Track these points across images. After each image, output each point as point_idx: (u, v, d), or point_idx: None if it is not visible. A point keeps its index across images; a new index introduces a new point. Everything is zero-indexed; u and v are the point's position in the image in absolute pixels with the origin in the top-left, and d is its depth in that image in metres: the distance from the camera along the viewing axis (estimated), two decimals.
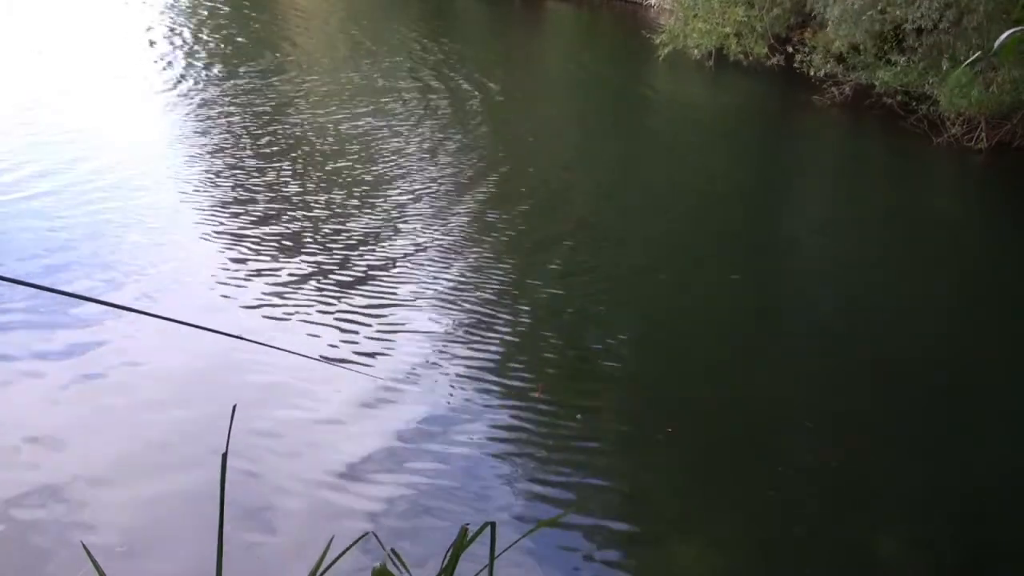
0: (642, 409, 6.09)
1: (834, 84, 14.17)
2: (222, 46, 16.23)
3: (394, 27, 19.57)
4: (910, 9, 12.00)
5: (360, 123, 11.88)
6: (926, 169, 12.20)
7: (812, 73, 14.51)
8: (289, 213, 8.73)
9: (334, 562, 1.41)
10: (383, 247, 8.10)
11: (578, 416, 5.79)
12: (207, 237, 8.09)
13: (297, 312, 6.82)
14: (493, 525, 1.46)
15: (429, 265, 7.78)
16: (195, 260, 7.69)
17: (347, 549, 1.43)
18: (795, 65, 15.11)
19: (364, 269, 7.65)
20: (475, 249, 8.21)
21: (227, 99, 12.62)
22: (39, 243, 7.66)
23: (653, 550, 4.86)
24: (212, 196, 9.15)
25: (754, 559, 4.84)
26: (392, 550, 1.62)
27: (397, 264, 7.77)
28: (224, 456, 1.35)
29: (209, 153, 10.37)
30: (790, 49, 15.52)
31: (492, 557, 1.47)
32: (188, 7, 19.67)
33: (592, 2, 23.44)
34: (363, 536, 1.60)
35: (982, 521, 5.23)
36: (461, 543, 1.48)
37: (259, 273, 7.43)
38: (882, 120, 13.21)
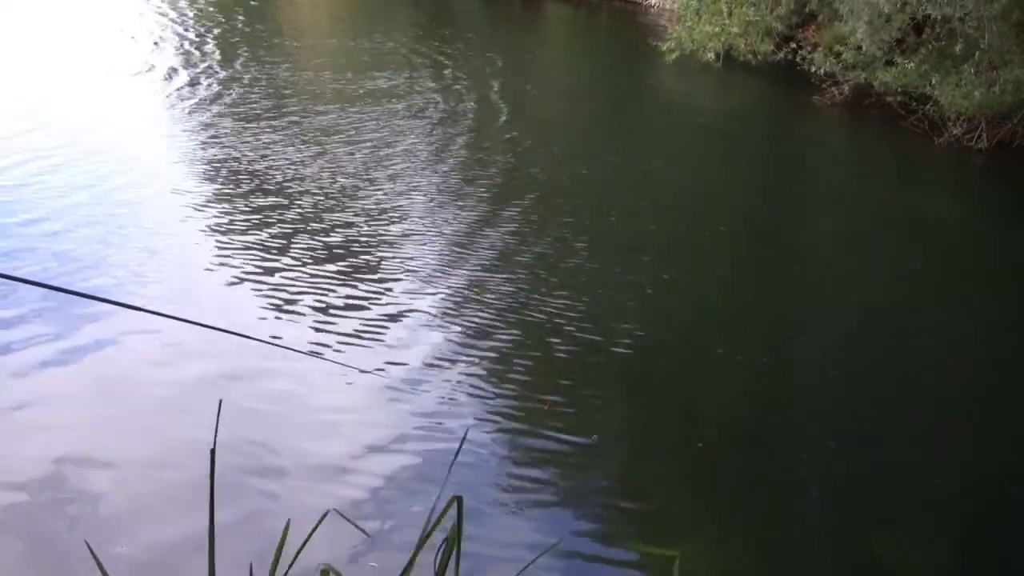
0: (646, 411, 6.07)
1: (834, 84, 14.14)
2: (222, 44, 16.23)
3: (392, 28, 19.54)
4: (932, 5, 11.87)
5: (361, 123, 11.86)
6: (928, 169, 12.18)
7: (813, 71, 14.49)
8: (291, 212, 8.72)
9: (302, 547, 1.40)
10: (386, 246, 8.09)
11: (581, 416, 5.77)
12: (208, 235, 8.10)
13: (298, 310, 6.82)
14: (460, 499, 1.46)
15: (433, 266, 7.76)
16: (195, 257, 7.69)
17: (313, 531, 1.42)
18: (797, 64, 15.09)
19: (367, 267, 7.64)
20: (478, 252, 8.18)
21: (227, 97, 12.61)
22: (41, 241, 7.66)
23: (653, 548, 4.83)
24: (214, 194, 9.15)
25: (755, 559, 4.82)
26: (324, 565, 1.62)
27: (400, 263, 7.76)
28: (212, 452, 1.33)
29: (211, 151, 10.36)
30: (794, 46, 15.49)
31: (459, 530, 1.46)
32: (187, 8, 19.66)
33: (591, 3, 23.42)
34: (325, 514, 1.58)
35: (986, 523, 5.20)
36: (431, 531, 1.48)
37: (259, 270, 7.43)
38: (883, 120, 13.19)
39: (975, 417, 6.19)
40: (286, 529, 1.47)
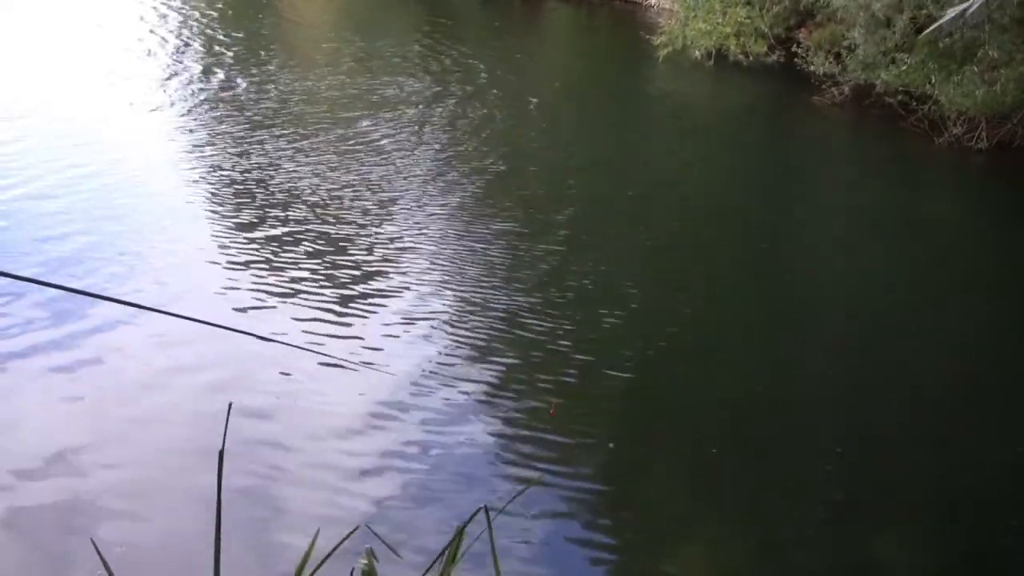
0: (648, 414, 6.08)
1: (834, 84, 14.13)
2: (223, 47, 16.21)
3: (393, 28, 19.54)
4: (936, 7, 11.85)
5: (362, 124, 11.86)
6: (928, 169, 12.18)
7: (812, 71, 14.48)
8: (293, 211, 8.72)
9: (327, 557, 1.40)
10: (389, 248, 8.10)
11: (584, 420, 5.78)
12: (211, 235, 8.12)
13: (303, 308, 6.84)
14: (486, 509, 1.46)
15: (437, 271, 7.75)
16: (199, 257, 7.70)
17: (339, 544, 1.42)
18: (796, 63, 15.09)
19: (371, 267, 7.65)
20: (480, 256, 8.18)
21: (229, 99, 12.60)
22: (43, 241, 7.66)
23: (656, 550, 4.84)
24: (217, 195, 9.15)
25: (755, 560, 4.82)
26: (370, 549, 1.61)
27: (403, 264, 7.77)
28: (221, 453, 1.34)
29: (213, 152, 10.35)
30: (794, 48, 15.50)
31: (492, 540, 1.45)
32: (188, 10, 19.65)
33: (591, 2, 23.42)
34: (354, 530, 1.58)
35: (986, 523, 5.21)
36: (457, 543, 1.48)
37: (263, 269, 7.44)
38: (882, 120, 13.18)
39: (975, 417, 6.20)
40: (315, 538, 1.47)
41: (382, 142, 11.11)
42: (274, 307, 6.82)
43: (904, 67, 12.82)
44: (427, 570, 1.53)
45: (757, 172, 11.93)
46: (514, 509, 4.85)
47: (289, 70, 14.62)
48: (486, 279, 7.58)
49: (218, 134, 11.03)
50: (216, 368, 5.96)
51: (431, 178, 10.05)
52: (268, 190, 9.20)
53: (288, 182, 9.43)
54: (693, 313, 7.47)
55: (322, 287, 7.23)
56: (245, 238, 8.05)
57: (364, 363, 6.12)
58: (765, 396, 6.25)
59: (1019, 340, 7.33)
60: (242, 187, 9.27)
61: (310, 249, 7.92)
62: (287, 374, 5.93)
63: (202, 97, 12.72)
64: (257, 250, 7.82)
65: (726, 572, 4.73)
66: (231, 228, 8.30)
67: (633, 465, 5.52)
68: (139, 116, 11.89)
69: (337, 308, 6.90)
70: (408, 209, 9.06)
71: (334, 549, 1.42)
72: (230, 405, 1.52)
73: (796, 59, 15.17)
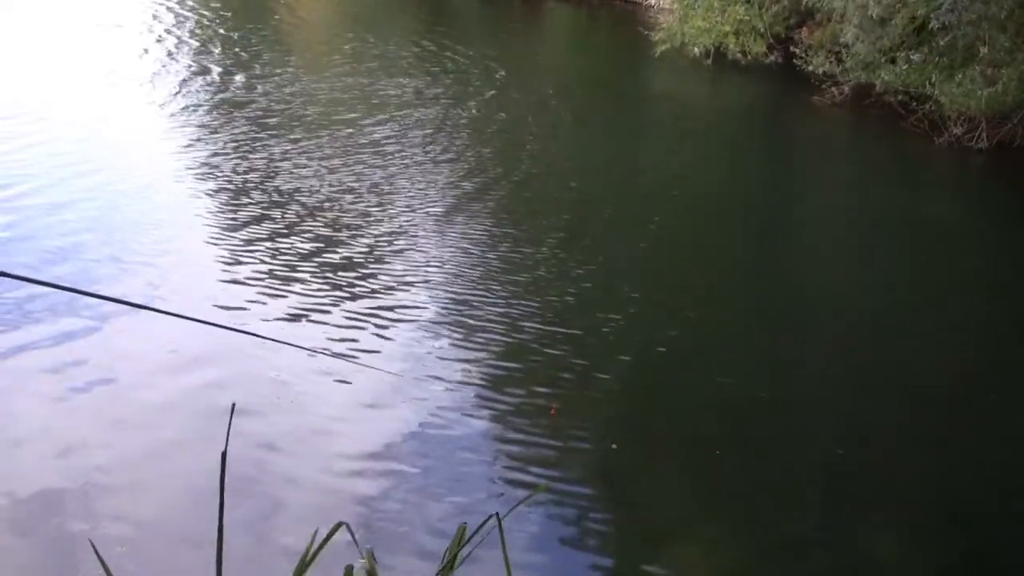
0: (648, 415, 6.08)
1: (834, 84, 14.12)
2: (224, 50, 16.21)
3: (393, 28, 19.53)
4: (935, 16, 11.85)
5: (362, 125, 11.86)
6: (928, 169, 12.16)
7: (811, 70, 14.47)
8: (294, 212, 8.72)
9: (313, 556, 1.40)
10: (390, 248, 8.10)
11: (585, 420, 5.78)
12: (213, 236, 8.12)
13: (304, 308, 6.86)
14: (498, 516, 1.46)
15: (438, 274, 7.75)
16: (201, 258, 7.71)
17: (324, 542, 1.42)
18: (795, 63, 15.08)
19: (372, 270, 7.65)
20: (478, 255, 8.18)
21: (241, 102, 12.59)
22: (48, 243, 7.67)
23: (656, 550, 4.84)
24: (218, 196, 9.16)
25: (755, 560, 4.83)
26: (370, 550, 1.61)
27: (403, 266, 7.78)
28: (223, 454, 1.34)
29: (215, 155, 10.35)
30: (793, 48, 15.49)
31: (504, 548, 1.46)
32: (190, 12, 19.64)
33: (591, 2, 23.42)
34: (337, 526, 1.57)
35: (986, 523, 5.21)
36: (458, 541, 1.48)
37: (270, 273, 7.45)
38: (882, 120, 13.18)
39: (975, 417, 6.20)
40: (313, 537, 1.47)
41: (385, 145, 11.10)
42: (280, 311, 6.82)
43: (905, 67, 12.81)
44: (440, 571, 1.54)
45: (757, 172, 11.92)
46: (511, 513, 4.86)
47: (300, 72, 14.61)
48: (485, 282, 7.58)
49: (227, 137, 11.01)
50: (218, 372, 5.96)
51: (431, 180, 10.05)
52: (275, 194, 9.20)
53: (294, 187, 9.43)
54: (693, 314, 7.47)
55: (326, 290, 7.22)
56: (254, 243, 8.04)
57: (367, 365, 6.12)
58: (765, 396, 6.25)
59: (1019, 340, 7.33)
60: (250, 192, 9.25)
61: (317, 254, 7.89)
62: (288, 377, 5.93)
63: (215, 100, 12.70)
64: (265, 254, 7.80)
65: (726, 572, 4.73)
66: (239, 232, 8.27)
67: (634, 466, 5.52)
68: (139, 116, 11.89)
69: (339, 311, 6.90)
70: (408, 211, 9.05)
71: (320, 547, 1.43)
72: (233, 406, 1.52)
73: (795, 59, 15.16)
